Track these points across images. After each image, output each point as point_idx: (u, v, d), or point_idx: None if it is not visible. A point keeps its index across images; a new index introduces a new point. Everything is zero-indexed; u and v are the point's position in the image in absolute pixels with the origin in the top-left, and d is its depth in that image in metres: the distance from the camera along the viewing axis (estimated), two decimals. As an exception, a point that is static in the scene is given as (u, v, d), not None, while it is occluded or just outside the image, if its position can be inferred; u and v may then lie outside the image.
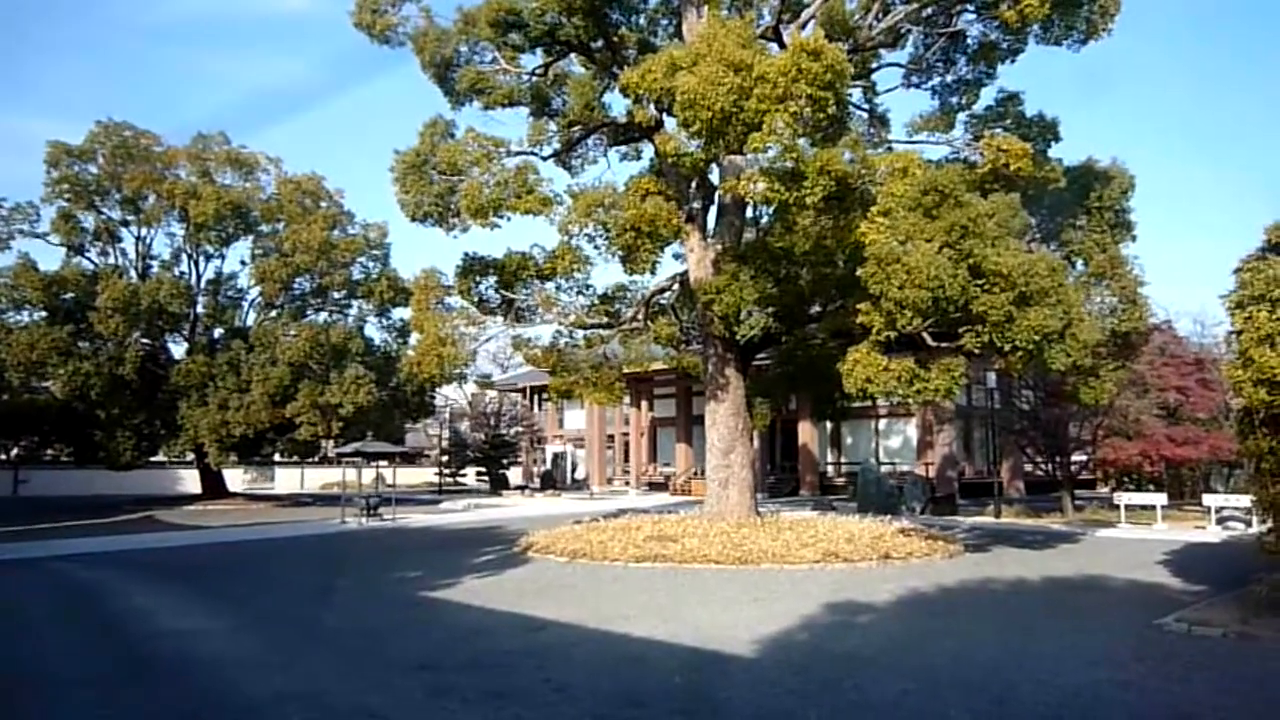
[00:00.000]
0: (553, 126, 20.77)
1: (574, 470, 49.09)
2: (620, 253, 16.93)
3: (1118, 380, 19.28)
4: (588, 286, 20.41)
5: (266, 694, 7.61)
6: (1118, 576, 13.99)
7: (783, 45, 17.40)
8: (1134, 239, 18.84)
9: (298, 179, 36.05)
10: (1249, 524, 18.87)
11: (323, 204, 36.18)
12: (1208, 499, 22.43)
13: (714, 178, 19.41)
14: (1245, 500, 18.56)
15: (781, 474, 39.00)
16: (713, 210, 20.23)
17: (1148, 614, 10.52)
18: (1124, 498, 23.57)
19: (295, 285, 35.48)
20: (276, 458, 42.90)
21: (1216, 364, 24.11)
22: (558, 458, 48.94)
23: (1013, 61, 19.16)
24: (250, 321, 36.20)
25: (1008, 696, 7.20)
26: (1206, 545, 18.35)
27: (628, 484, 45.00)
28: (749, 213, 20.05)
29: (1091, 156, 18.96)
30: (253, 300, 36.97)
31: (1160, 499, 22.76)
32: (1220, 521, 20.98)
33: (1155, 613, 10.52)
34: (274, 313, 35.70)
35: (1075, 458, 27.14)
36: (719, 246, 19.08)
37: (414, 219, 18.76)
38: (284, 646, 9.84)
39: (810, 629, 10.01)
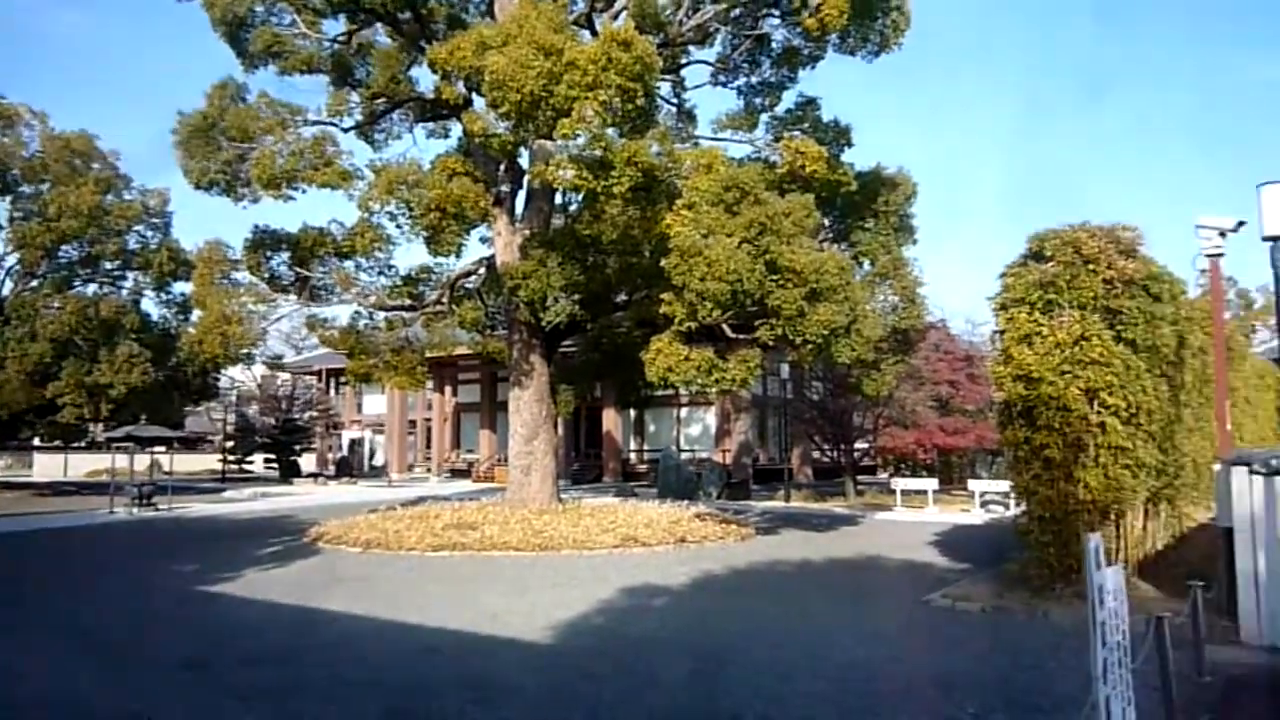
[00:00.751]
0: (355, 98, 19.89)
1: (372, 457, 47.48)
2: (424, 233, 16.49)
3: (897, 373, 20.65)
4: (390, 267, 19.85)
5: (18, 702, 6.87)
6: (892, 557, 14.95)
7: (595, 33, 17.41)
8: (915, 242, 20.13)
9: (66, 136, 32.69)
10: (1008, 507, 20.54)
11: (95, 165, 33.05)
12: (973, 484, 24.17)
13: (524, 162, 19.18)
14: (1005, 485, 20.14)
15: (585, 460, 39.26)
16: (521, 194, 20.00)
17: (918, 591, 11.29)
18: (900, 483, 25.08)
19: (61, 253, 32.19)
20: (36, 442, 39.16)
21: (983, 360, 26.04)
22: (355, 444, 47.11)
23: (813, 67, 20.03)
24: (6, 292, 32.63)
25: (791, 673, 7.53)
26: (971, 527, 19.89)
27: (429, 471, 43.99)
28: (558, 199, 19.96)
29: (880, 163, 20.14)
30: (10, 268, 33.27)
31: (932, 484, 24.32)
32: (984, 505, 22.66)
33: (924, 590, 11.31)
34: (35, 283, 32.28)
35: (858, 445, 28.83)
36: (527, 231, 18.92)
37: (198, 187, 17.60)
38: (39, 649, 8.92)
39: (606, 613, 10.11)
